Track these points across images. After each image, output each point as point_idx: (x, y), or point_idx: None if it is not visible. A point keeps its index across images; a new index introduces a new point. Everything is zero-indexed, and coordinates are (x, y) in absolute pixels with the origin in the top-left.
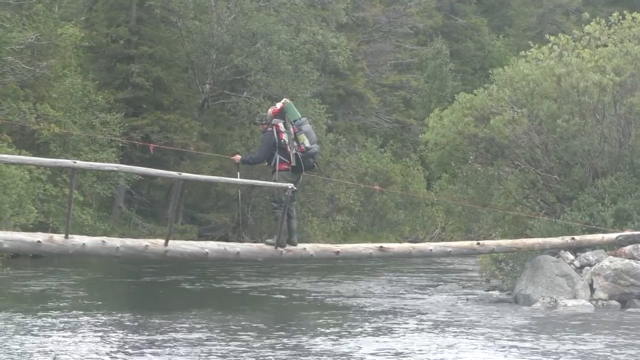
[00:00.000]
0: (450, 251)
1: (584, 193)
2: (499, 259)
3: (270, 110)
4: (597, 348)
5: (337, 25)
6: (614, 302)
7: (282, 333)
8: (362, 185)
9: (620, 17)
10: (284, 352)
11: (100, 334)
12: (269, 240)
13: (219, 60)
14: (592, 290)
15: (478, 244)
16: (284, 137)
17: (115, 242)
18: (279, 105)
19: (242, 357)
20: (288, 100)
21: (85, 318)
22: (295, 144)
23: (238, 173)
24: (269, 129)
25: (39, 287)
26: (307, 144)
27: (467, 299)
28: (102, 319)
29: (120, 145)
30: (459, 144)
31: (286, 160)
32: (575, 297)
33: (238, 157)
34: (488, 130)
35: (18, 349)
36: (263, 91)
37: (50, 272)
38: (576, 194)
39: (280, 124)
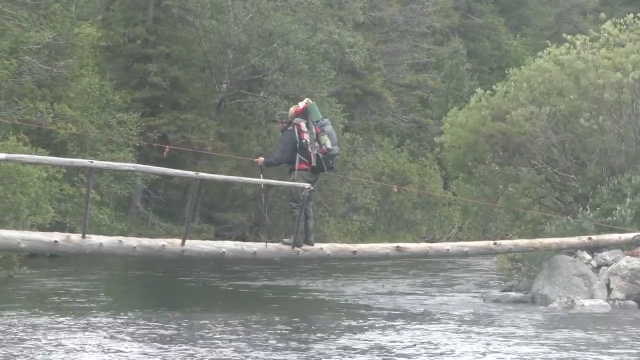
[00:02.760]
0: (467, 251)
1: (601, 192)
2: (515, 259)
3: (292, 109)
4: (614, 348)
5: (354, 24)
6: (631, 302)
7: (299, 332)
8: (380, 184)
9: (637, 19)
10: (301, 351)
11: (117, 333)
12: (286, 240)
13: (236, 59)
14: (609, 290)
15: (495, 243)
16: (306, 137)
17: (132, 241)
18: (302, 104)
19: (260, 356)
20: (311, 101)
21: (103, 318)
22: (316, 144)
23: (261, 175)
24: (290, 127)
25: (56, 286)
26: (329, 145)
27: (484, 299)
28: (119, 319)
29: (138, 144)
30: (475, 142)
31: (306, 160)
32: (592, 297)
33: (262, 159)
34: (505, 125)
35: (35, 348)
36: (280, 91)
37: (68, 272)
38: (592, 192)
39: (302, 124)
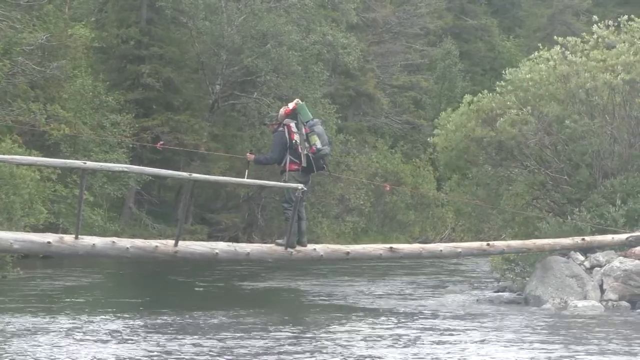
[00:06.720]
0: (460, 252)
1: (594, 193)
2: (509, 260)
3: (282, 111)
4: (607, 349)
5: (348, 25)
6: (624, 303)
7: (292, 332)
8: (373, 184)
9: (629, 20)
10: (293, 351)
11: (110, 334)
12: (279, 241)
13: (229, 60)
14: (602, 291)
15: (488, 244)
16: (296, 137)
17: (125, 242)
18: (291, 105)
19: (253, 356)
20: (300, 101)
21: (97, 318)
22: (306, 144)
23: (247, 171)
24: (280, 129)
25: (49, 287)
26: (319, 145)
27: (477, 300)
28: (112, 320)
29: (131, 146)
30: (467, 146)
31: (297, 160)
32: (585, 298)
33: (252, 155)
34: (494, 134)
35: (28, 350)
36: (273, 92)
37: (60, 273)
38: (584, 195)
39: (292, 124)
